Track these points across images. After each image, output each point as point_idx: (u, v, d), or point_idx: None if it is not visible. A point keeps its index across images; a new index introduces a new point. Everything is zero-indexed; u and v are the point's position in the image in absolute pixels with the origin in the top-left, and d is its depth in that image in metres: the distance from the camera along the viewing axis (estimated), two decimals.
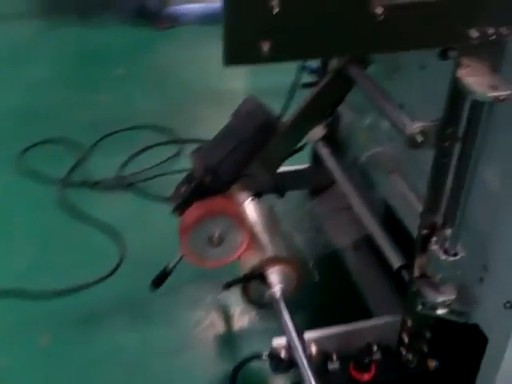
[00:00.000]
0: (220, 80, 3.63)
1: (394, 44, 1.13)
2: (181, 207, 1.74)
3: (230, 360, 1.86)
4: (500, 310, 1.35)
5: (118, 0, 4.74)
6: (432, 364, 1.60)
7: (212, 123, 3.26)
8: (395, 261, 1.59)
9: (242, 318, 2.08)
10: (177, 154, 2.96)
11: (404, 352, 1.61)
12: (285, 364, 1.54)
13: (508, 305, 1.32)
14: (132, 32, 4.38)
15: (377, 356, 1.58)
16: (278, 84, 3.51)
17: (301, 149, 1.67)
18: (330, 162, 1.98)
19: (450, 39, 1.14)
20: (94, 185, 2.71)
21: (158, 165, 2.84)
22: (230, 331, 2.05)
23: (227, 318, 2.09)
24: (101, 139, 3.05)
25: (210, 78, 3.65)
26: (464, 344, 1.53)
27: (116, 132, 3.09)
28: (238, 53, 1.06)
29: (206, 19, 4.46)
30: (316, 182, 2.23)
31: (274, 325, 1.91)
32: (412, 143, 1.27)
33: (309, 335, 1.55)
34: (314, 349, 1.54)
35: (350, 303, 1.95)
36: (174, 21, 4.34)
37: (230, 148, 1.67)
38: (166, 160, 2.89)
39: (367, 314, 1.77)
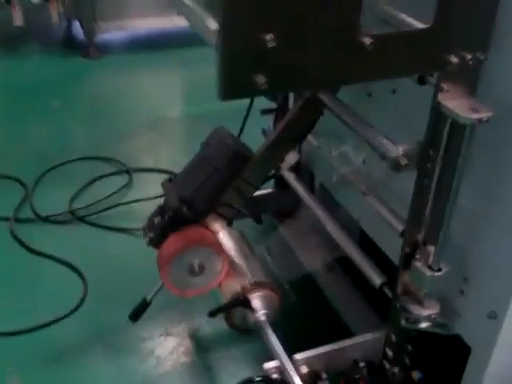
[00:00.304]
0: (157, 107, 3.65)
1: (383, 72, 1.18)
2: (157, 239, 1.73)
3: None
4: (483, 321, 1.40)
5: (41, 30, 4.65)
6: (416, 376, 1.64)
7: (157, 151, 3.36)
8: (376, 279, 1.64)
9: (217, 343, 2.07)
10: (127, 184, 2.90)
11: (388, 366, 1.65)
12: None
13: (492, 314, 1.39)
14: (61, 62, 4.27)
15: (363, 372, 1.61)
16: (213, 110, 3.61)
17: (274, 175, 1.70)
18: (296, 186, 2.01)
19: (434, 65, 1.20)
20: (45, 219, 2.62)
21: (109, 196, 2.78)
22: (206, 357, 2.03)
23: (202, 345, 2.08)
24: (45, 173, 2.94)
25: (146, 106, 3.65)
26: (447, 355, 1.59)
27: (61, 164, 3.01)
28: (233, 87, 1.06)
29: (134, 47, 4.48)
30: (280, 205, 2.26)
31: (249, 348, 1.95)
32: (396, 166, 1.33)
33: (298, 356, 1.57)
34: (304, 369, 1.56)
35: (327, 323, 1.98)
36: (102, 50, 4.29)
37: (203, 178, 1.68)
38: (117, 191, 2.84)
39: (347, 333, 1.80)
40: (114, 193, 2.80)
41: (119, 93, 3.87)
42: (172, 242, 1.65)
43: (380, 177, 1.62)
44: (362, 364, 1.63)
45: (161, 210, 1.75)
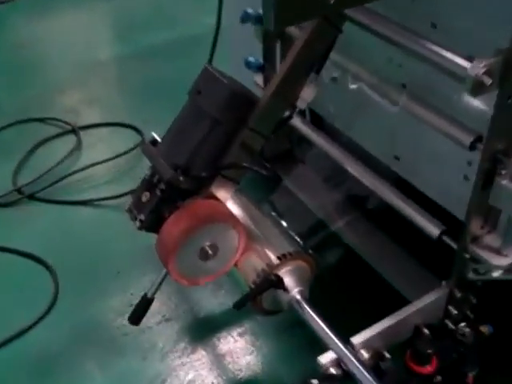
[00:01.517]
0: (88, 50, 3.20)
1: None
2: (151, 222, 1.36)
3: None
4: None
5: None
6: (486, 330, 1.39)
7: (101, 101, 2.82)
8: (433, 227, 1.34)
9: (226, 320, 1.76)
10: (76, 147, 2.48)
11: (451, 325, 1.39)
12: (339, 381, 1.25)
13: None
14: None
15: (434, 345, 1.34)
16: (152, 44, 3.18)
17: (290, 117, 1.34)
18: (301, 124, 1.66)
19: None
20: None
21: (58, 164, 2.35)
22: (216, 342, 1.71)
23: (209, 326, 1.77)
24: None
25: (75, 50, 3.19)
26: None
27: None
28: (291, 7, 0.71)
29: None
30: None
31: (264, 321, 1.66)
32: (477, 88, 0.99)
33: (356, 340, 1.27)
34: (365, 354, 1.27)
35: (366, 289, 1.69)
36: None
37: (201, 135, 1.30)
38: (67, 156, 2.42)
39: (390, 298, 1.51)
40: (64, 159, 2.40)
41: (40, 39, 3.36)
42: (174, 224, 1.29)
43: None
44: (426, 331, 1.35)
45: (148, 184, 1.37)
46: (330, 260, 1.74)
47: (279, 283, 1.32)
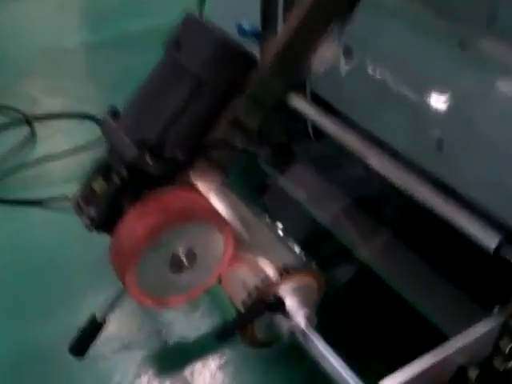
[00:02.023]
0: (52, 36, 2.93)
1: None
2: (104, 218, 1.00)
3: None
4: None
5: None
6: None
7: (62, 90, 2.52)
8: (488, 236, 1.00)
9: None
10: (29, 138, 2.13)
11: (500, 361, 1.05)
12: None
13: None
14: None
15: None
16: (123, 32, 2.87)
17: (303, 85, 0.99)
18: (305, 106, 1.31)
19: None
20: None
21: (6, 156, 2.02)
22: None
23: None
24: None
25: (38, 36, 2.93)
26: None
27: None
28: None
29: None
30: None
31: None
32: None
33: None
34: None
35: (386, 318, 1.35)
36: None
37: (178, 103, 0.96)
38: (17, 148, 2.08)
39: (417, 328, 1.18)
40: (12, 151, 2.05)
41: (3, 23, 3.10)
42: (137, 220, 0.94)
43: None
44: (473, 372, 1.01)
45: (104, 169, 1.02)
46: (338, 279, 1.39)
47: (279, 306, 0.97)
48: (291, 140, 1.64)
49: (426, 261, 1.32)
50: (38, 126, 2.18)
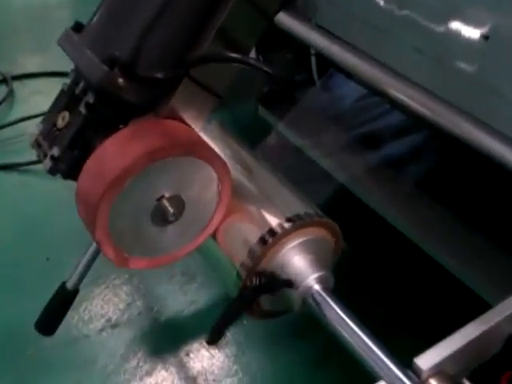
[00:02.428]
0: None
1: None
2: (69, 160, 0.80)
3: None
4: None
5: None
6: None
7: (43, 48, 2.40)
8: None
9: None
10: (5, 98, 1.95)
11: None
12: None
13: None
14: None
15: None
16: None
17: None
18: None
19: None
20: None
21: None
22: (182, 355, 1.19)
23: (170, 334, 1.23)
24: None
25: None
26: None
27: None
28: None
29: None
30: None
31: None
32: None
33: (423, 363, 0.72)
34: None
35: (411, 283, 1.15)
36: None
37: (156, 7, 0.75)
38: None
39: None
40: None
41: None
42: (114, 149, 0.73)
43: None
44: None
45: (68, 99, 0.82)
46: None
47: (276, 283, 0.77)
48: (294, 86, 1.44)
49: (461, 217, 1.12)
50: (16, 85, 2.00)
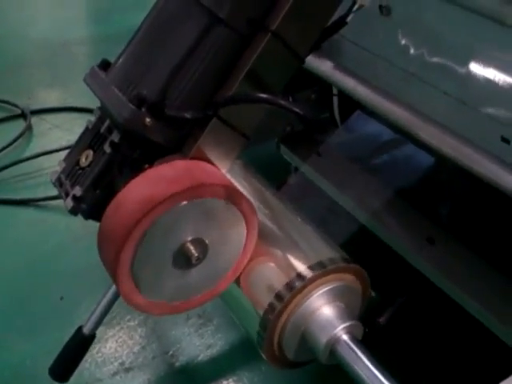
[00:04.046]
0: (57, 28, 2.76)
1: None
2: (92, 200, 0.78)
3: None
4: None
5: None
6: None
7: (62, 83, 2.32)
8: None
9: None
10: (24, 133, 1.94)
11: None
12: None
13: None
14: None
15: None
16: (129, 26, 2.67)
17: (344, 22, 0.76)
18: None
19: None
20: None
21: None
22: None
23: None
24: None
25: (40, 28, 2.75)
26: None
27: None
28: None
29: None
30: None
31: None
32: None
33: None
34: None
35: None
36: None
37: (186, 47, 0.74)
38: (11, 143, 1.89)
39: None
40: (7, 146, 1.88)
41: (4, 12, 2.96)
42: (135, 193, 0.71)
43: None
44: None
45: (92, 137, 0.80)
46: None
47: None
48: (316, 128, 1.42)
49: (490, 262, 1.08)
50: (34, 120, 2.00)
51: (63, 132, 1.94)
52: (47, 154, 1.77)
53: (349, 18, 0.75)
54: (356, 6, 0.76)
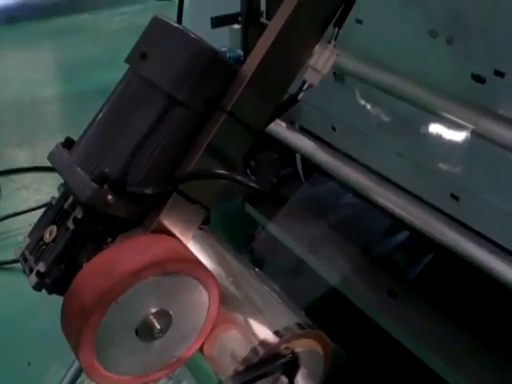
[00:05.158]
0: (25, 88, 2.77)
1: None
2: (55, 275, 0.79)
3: None
4: None
5: None
6: None
7: (32, 143, 2.47)
8: None
9: None
10: None
11: None
12: None
13: None
14: None
15: None
16: (98, 84, 2.71)
17: (295, 99, 0.81)
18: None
19: None
20: None
21: None
22: None
23: None
24: None
25: (10, 88, 2.78)
26: None
27: None
28: None
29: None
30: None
31: None
32: None
33: None
34: None
35: None
36: None
37: (145, 127, 0.77)
38: None
39: None
40: None
41: None
42: (97, 272, 0.73)
43: None
44: None
45: (56, 214, 0.82)
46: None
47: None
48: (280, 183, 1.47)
49: (456, 321, 1.11)
50: (2, 180, 2.00)
51: (31, 192, 1.95)
52: (15, 216, 1.77)
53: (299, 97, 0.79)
54: (306, 86, 0.80)
